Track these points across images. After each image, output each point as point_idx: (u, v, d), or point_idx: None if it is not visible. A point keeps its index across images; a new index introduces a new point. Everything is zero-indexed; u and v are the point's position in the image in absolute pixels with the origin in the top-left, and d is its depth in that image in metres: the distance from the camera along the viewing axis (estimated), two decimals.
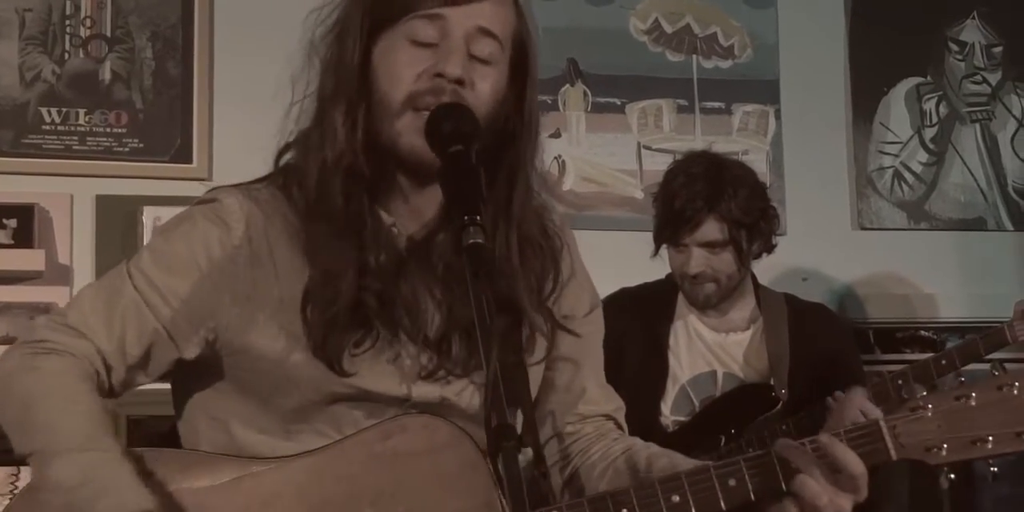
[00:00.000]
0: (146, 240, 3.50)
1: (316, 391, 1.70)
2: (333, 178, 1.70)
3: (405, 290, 1.72)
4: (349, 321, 1.68)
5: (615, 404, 1.95)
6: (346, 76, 1.71)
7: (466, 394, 1.76)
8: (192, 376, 1.78)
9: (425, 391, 1.73)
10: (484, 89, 1.71)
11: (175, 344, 1.71)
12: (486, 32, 1.72)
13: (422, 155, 1.67)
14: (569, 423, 1.90)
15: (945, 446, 1.65)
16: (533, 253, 1.81)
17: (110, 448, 1.61)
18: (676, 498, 1.66)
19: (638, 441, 1.90)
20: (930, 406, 1.66)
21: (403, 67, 1.70)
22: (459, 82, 1.69)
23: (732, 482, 1.66)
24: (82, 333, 1.69)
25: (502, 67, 1.74)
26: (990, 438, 1.65)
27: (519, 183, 1.77)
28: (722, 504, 1.65)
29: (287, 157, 1.79)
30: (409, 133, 1.69)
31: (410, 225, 1.77)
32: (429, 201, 1.76)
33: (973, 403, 1.66)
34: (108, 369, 1.70)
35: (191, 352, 1.72)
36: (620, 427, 1.94)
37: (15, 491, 3.41)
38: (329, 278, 1.68)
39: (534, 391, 1.84)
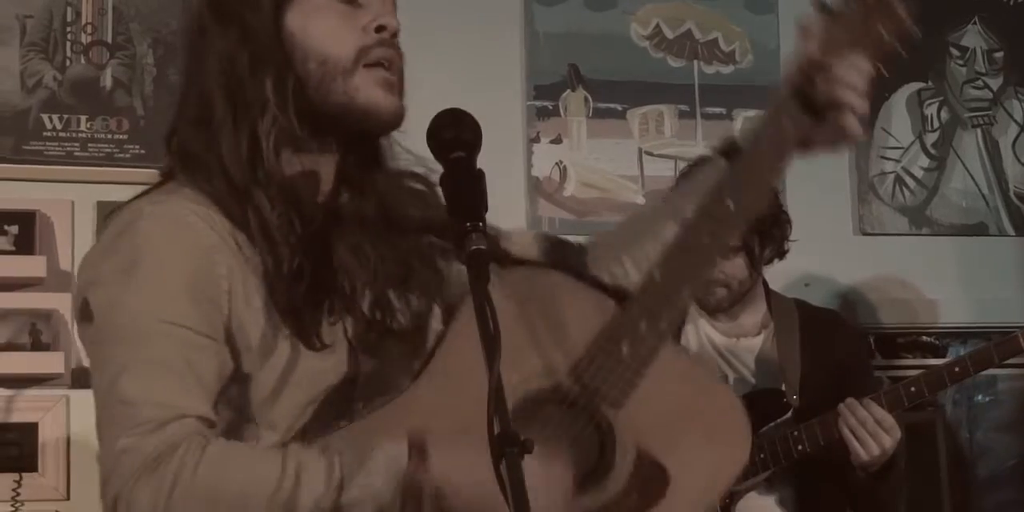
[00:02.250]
0: None
1: (307, 390, 1.67)
2: (267, 151, 1.66)
3: (345, 256, 1.70)
4: (310, 298, 1.65)
5: None
6: (268, 45, 1.68)
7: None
8: None
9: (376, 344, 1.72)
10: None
11: (225, 372, 1.64)
12: None
13: (381, 108, 1.70)
14: None
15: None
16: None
17: (299, 461, 1.54)
18: None
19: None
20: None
21: (341, 25, 1.70)
22: (394, 35, 1.71)
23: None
24: (171, 417, 1.55)
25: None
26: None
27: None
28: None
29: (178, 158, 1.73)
30: (368, 87, 1.70)
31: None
32: (328, 163, 1.76)
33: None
34: (212, 425, 1.60)
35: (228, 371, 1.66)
36: None
37: (17, 498, 3.41)
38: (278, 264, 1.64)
39: None
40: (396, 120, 1.74)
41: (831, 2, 1.79)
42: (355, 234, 1.73)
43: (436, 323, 1.80)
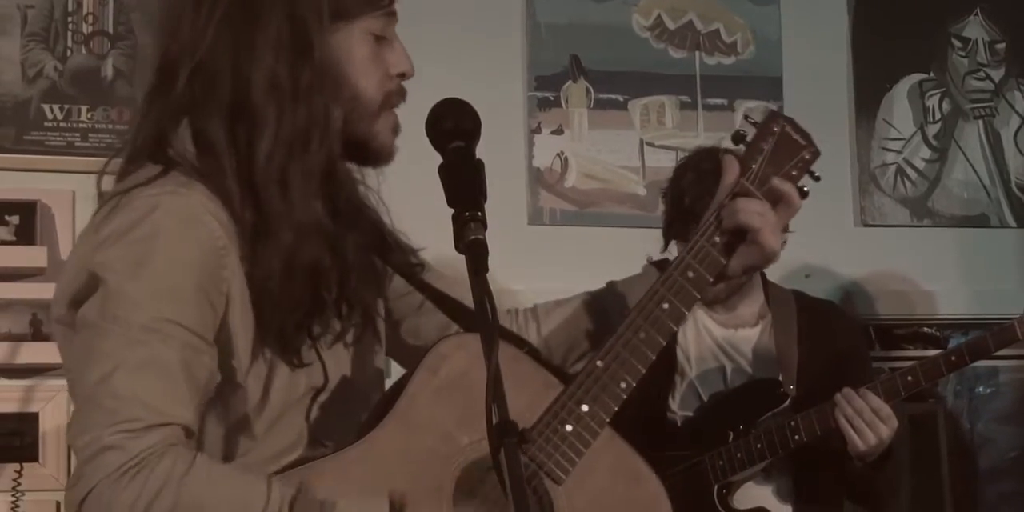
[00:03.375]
0: None
1: (285, 400, 1.69)
2: (312, 183, 1.66)
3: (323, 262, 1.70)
4: (298, 321, 1.67)
5: None
6: (326, 69, 1.68)
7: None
8: None
9: (335, 359, 1.74)
10: None
11: (216, 379, 1.65)
12: None
13: (388, 151, 1.75)
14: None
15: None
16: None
17: (282, 494, 1.57)
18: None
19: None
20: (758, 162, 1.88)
21: (375, 65, 1.72)
22: None
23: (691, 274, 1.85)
24: (159, 421, 1.54)
25: None
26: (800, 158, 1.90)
27: None
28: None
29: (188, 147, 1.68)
30: (386, 132, 1.74)
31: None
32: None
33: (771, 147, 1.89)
34: (193, 434, 1.60)
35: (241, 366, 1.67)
36: None
37: (18, 488, 3.41)
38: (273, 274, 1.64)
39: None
40: (391, 159, 1.79)
41: (746, 131, 1.92)
42: (344, 247, 1.73)
43: (380, 321, 1.84)
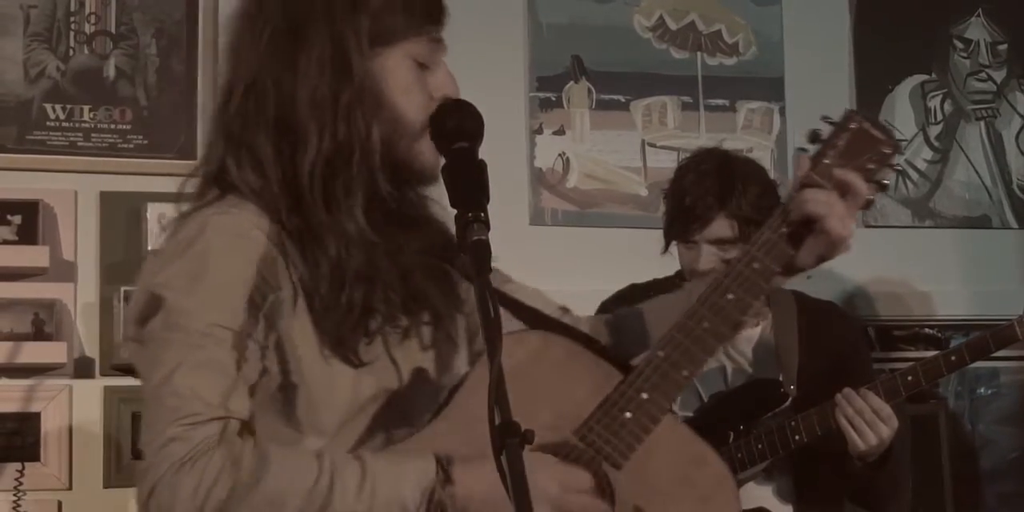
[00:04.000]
0: (150, 237, 3.50)
1: (353, 399, 1.74)
2: (355, 198, 1.72)
3: (391, 272, 1.76)
4: (352, 321, 1.72)
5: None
6: (366, 89, 1.73)
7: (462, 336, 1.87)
8: None
9: (408, 358, 1.78)
10: None
11: (290, 374, 1.72)
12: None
13: (431, 171, 1.75)
14: None
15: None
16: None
17: (332, 461, 1.64)
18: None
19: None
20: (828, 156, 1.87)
21: (417, 89, 1.75)
22: None
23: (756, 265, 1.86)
24: (219, 415, 1.63)
25: None
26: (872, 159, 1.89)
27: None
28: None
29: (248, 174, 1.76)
30: (430, 153, 1.75)
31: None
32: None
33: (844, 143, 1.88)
34: (254, 432, 1.68)
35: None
36: None
37: (19, 487, 3.42)
38: (320, 283, 1.71)
39: None
40: (436, 179, 1.78)
41: (822, 131, 1.91)
42: (398, 253, 1.78)
43: (458, 324, 1.88)
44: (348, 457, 1.66)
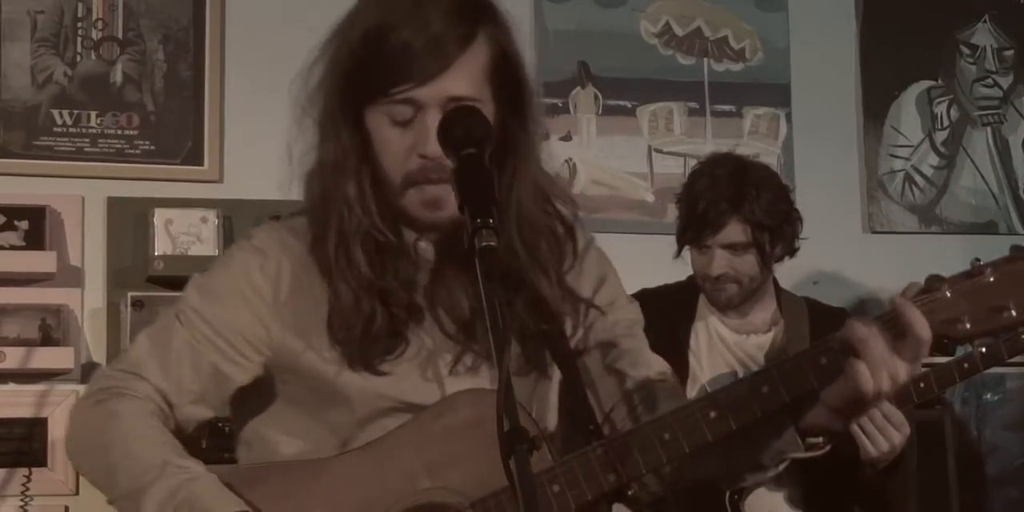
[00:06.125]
0: (157, 242, 3.50)
1: (366, 405, 1.77)
2: (354, 245, 1.78)
3: (440, 294, 1.81)
4: (374, 335, 1.77)
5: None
6: (347, 150, 1.80)
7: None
8: (247, 401, 1.85)
9: (458, 386, 1.78)
10: None
11: (231, 375, 1.81)
12: (456, 98, 1.75)
13: (432, 223, 1.79)
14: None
15: (967, 317, 1.64)
16: (540, 244, 1.86)
17: (191, 468, 1.70)
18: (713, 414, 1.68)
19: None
20: (946, 286, 1.66)
21: (393, 147, 1.77)
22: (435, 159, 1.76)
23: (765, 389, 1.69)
24: (140, 375, 1.78)
25: (487, 105, 1.78)
26: (1011, 305, 1.62)
27: (523, 184, 1.89)
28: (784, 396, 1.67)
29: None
30: (414, 207, 1.78)
31: (432, 233, 1.83)
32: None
33: (990, 279, 1.65)
34: (171, 406, 1.79)
35: (247, 378, 1.82)
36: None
37: (27, 492, 3.42)
38: (346, 302, 1.77)
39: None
40: (443, 227, 1.80)
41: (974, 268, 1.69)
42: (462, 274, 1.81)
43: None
44: (174, 480, 1.68)
